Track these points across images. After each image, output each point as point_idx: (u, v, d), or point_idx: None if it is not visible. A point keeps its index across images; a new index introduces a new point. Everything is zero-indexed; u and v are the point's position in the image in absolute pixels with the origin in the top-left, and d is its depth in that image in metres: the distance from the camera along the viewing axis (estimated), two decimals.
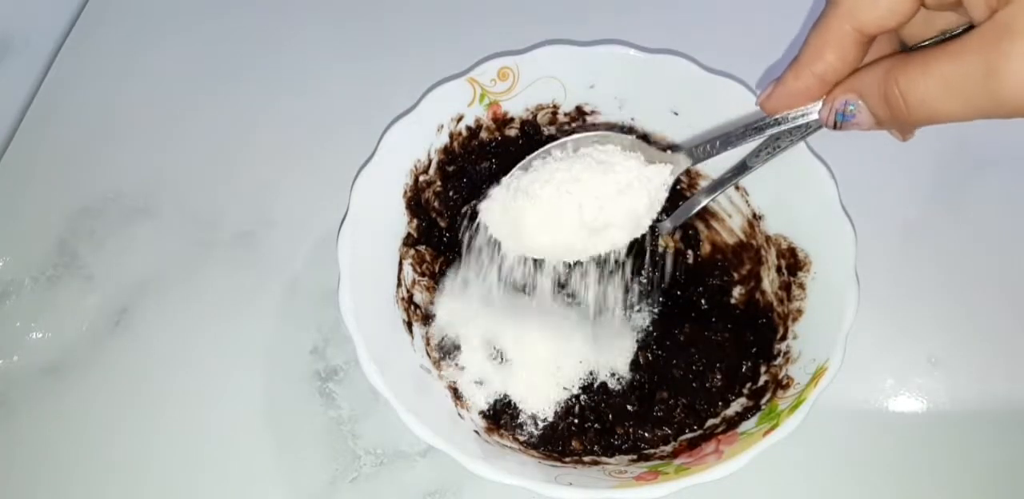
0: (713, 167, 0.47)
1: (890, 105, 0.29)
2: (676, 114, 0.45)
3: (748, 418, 0.40)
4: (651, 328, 0.46)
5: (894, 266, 0.49)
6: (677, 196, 0.49)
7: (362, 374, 0.37)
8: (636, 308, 0.47)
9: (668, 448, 0.42)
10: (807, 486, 0.45)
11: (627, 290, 0.48)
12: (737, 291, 0.47)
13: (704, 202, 0.45)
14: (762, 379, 0.43)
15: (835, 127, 0.32)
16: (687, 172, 0.48)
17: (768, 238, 0.45)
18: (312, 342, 0.48)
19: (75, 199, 0.52)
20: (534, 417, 0.43)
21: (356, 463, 0.45)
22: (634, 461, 0.41)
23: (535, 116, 0.47)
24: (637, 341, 0.46)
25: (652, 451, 0.42)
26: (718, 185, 0.44)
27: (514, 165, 0.48)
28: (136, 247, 0.50)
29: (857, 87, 0.30)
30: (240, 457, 0.45)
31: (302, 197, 0.51)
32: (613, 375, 0.45)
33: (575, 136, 0.39)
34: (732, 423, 0.41)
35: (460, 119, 0.45)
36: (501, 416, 0.43)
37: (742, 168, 0.43)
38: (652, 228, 0.47)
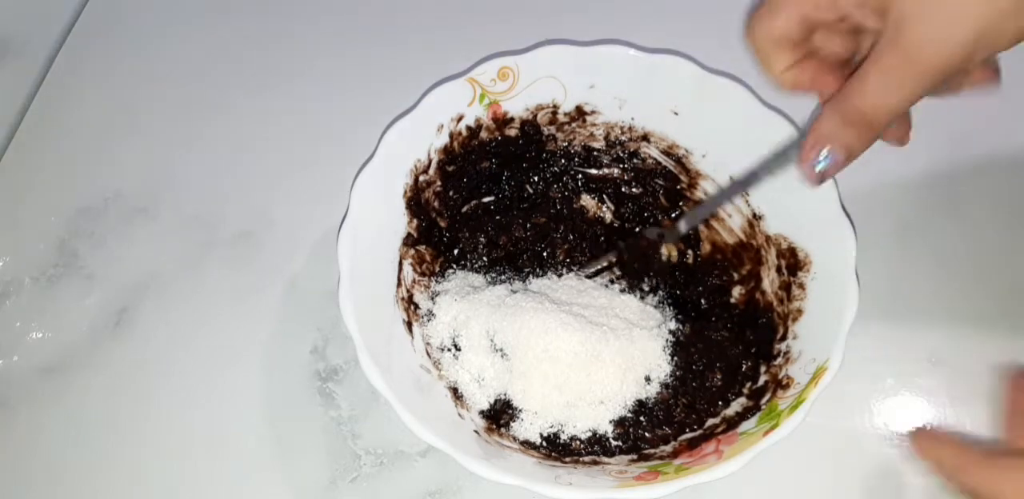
0: (713, 167, 0.47)
1: (849, 121, 0.32)
2: (676, 114, 0.45)
3: (748, 418, 0.40)
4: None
5: (894, 266, 0.49)
6: (677, 196, 0.49)
7: (362, 374, 0.37)
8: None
9: (668, 448, 0.42)
10: (807, 486, 0.45)
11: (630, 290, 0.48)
12: (737, 291, 0.47)
13: (712, 210, 0.45)
14: (762, 379, 0.42)
15: (820, 180, 0.34)
16: (687, 172, 0.48)
17: (768, 238, 0.45)
18: (312, 342, 0.48)
19: (75, 199, 0.52)
20: (534, 416, 0.43)
21: (356, 463, 0.45)
22: (634, 461, 0.41)
23: (535, 116, 0.47)
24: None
25: (652, 451, 0.42)
26: (724, 196, 0.44)
27: (514, 164, 0.49)
28: (136, 247, 0.50)
29: (818, 134, 0.33)
30: (240, 457, 0.45)
31: (302, 197, 0.51)
32: None
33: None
34: (732, 423, 0.41)
35: (460, 119, 0.44)
36: (501, 416, 0.43)
37: (752, 178, 0.43)
38: (660, 235, 0.47)
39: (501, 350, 0.43)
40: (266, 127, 0.54)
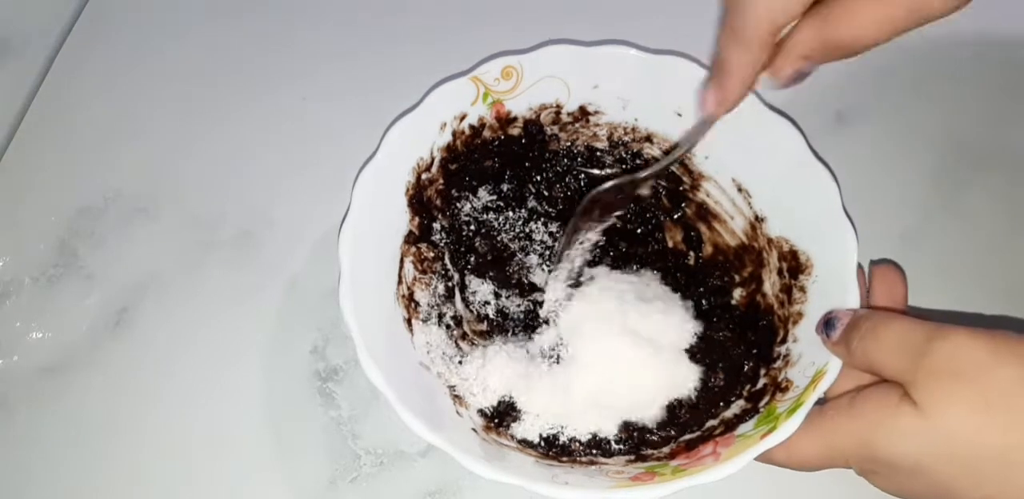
0: (715, 169, 0.47)
1: (830, 45, 0.36)
2: (680, 115, 0.45)
3: (746, 420, 0.40)
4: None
5: None
6: (680, 197, 0.49)
7: (362, 374, 0.37)
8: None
9: (666, 449, 0.42)
10: (805, 487, 0.45)
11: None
12: (738, 293, 0.47)
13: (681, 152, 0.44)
14: (761, 382, 0.42)
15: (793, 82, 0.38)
16: (690, 174, 0.48)
17: (770, 240, 0.45)
18: (312, 342, 0.48)
19: (75, 199, 0.52)
20: (536, 418, 0.43)
21: (356, 463, 0.45)
22: (631, 461, 0.41)
23: (539, 115, 0.47)
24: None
25: (650, 452, 0.42)
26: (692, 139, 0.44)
27: (517, 164, 0.48)
28: (136, 247, 0.50)
29: (800, 52, 0.37)
30: (240, 457, 0.45)
31: (302, 197, 0.51)
32: None
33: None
34: (730, 425, 0.41)
35: (463, 118, 0.44)
36: (500, 416, 0.43)
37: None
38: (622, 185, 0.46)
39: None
40: (266, 127, 0.54)
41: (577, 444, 0.43)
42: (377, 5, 0.58)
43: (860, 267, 0.40)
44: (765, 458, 0.37)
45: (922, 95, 0.55)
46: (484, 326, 0.47)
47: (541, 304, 0.46)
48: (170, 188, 0.52)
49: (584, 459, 0.42)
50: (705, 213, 0.48)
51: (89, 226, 0.51)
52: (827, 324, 0.38)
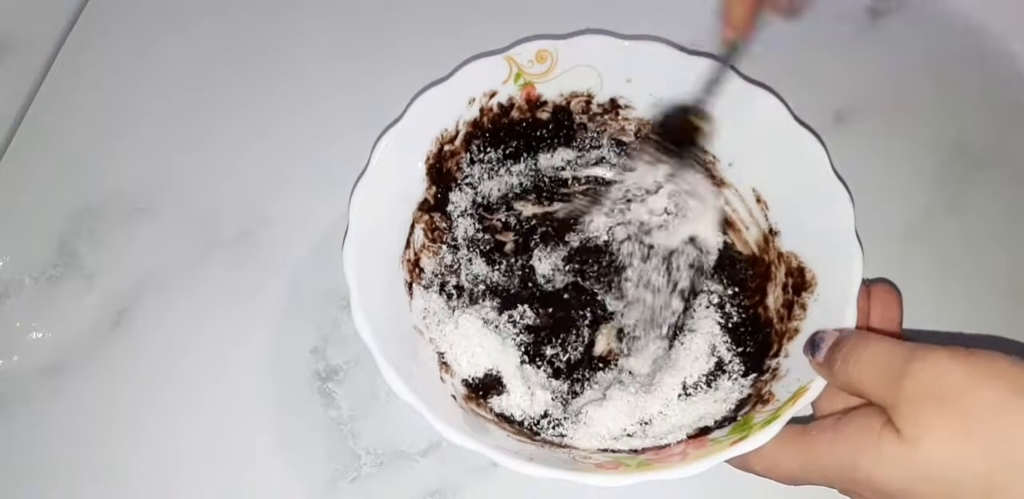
0: (737, 177, 0.46)
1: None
2: None
3: (723, 426, 0.40)
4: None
5: (895, 268, 0.49)
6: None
7: (362, 374, 0.37)
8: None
9: (639, 443, 0.42)
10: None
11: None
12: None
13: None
14: (746, 391, 0.42)
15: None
16: (712, 179, 0.47)
17: (780, 255, 0.44)
18: (312, 342, 0.48)
19: (75, 199, 0.51)
20: (521, 396, 0.43)
21: (356, 463, 0.45)
22: (602, 450, 0.41)
23: (569, 103, 0.47)
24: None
25: (622, 447, 0.42)
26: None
27: (541, 147, 0.48)
28: (136, 247, 0.50)
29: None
30: (240, 457, 0.45)
31: (302, 197, 0.51)
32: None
33: None
34: (705, 429, 0.41)
35: (493, 95, 0.45)
36: (485, 389, 0.43)
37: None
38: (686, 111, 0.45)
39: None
40: (267, 127, 0.54)
41: (555, 425, 0.43)
42: (378, 3, 0.58)
43: (863, 283, 0.40)
44: (745, 466, 0.37)
45: (922, 95, 0.55)
46: (490, 301, 0.46)
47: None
48: (170, 188, 0.52)
49: (556, 441, 0.42)
50: (721, 219, 0.48)
51: (89, 226, 0.51)
52: (813, 344, 0.38)
